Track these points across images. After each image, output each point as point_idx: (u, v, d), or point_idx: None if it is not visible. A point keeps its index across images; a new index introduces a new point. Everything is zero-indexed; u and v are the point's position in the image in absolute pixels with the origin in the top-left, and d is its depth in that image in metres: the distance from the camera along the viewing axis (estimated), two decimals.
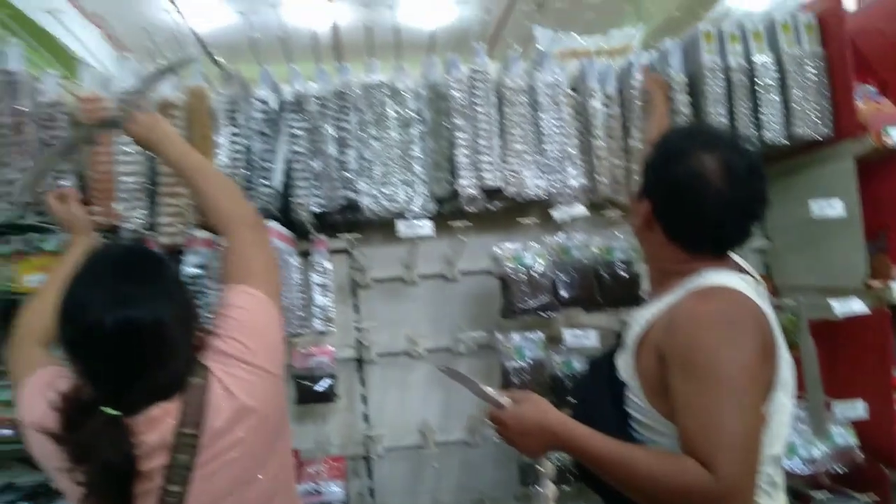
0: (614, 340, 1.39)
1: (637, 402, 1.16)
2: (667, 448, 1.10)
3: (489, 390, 1.18)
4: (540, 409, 1.14)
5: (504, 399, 1.17)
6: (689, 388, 1.04)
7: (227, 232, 1.25)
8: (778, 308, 1.82)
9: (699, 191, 1.14)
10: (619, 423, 1.18)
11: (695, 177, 1.13)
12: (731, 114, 2.02)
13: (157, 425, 1.00)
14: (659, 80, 2.04)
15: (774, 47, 2.05)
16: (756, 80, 2.02)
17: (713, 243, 1.20)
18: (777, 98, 2.03)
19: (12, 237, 1.81)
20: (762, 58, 2.03)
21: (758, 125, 2.02)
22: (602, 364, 1.33)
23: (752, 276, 1.24)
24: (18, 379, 1.14)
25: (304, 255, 2.06)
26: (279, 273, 1.32)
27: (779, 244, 2.32)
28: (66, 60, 1.87)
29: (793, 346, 1.84)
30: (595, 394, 1.30)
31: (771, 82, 2.02)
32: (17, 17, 1.74)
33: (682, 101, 2.04)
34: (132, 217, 1.80)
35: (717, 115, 2.00)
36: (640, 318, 1.22)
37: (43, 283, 1.41)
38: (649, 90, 2.03)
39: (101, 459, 0.94)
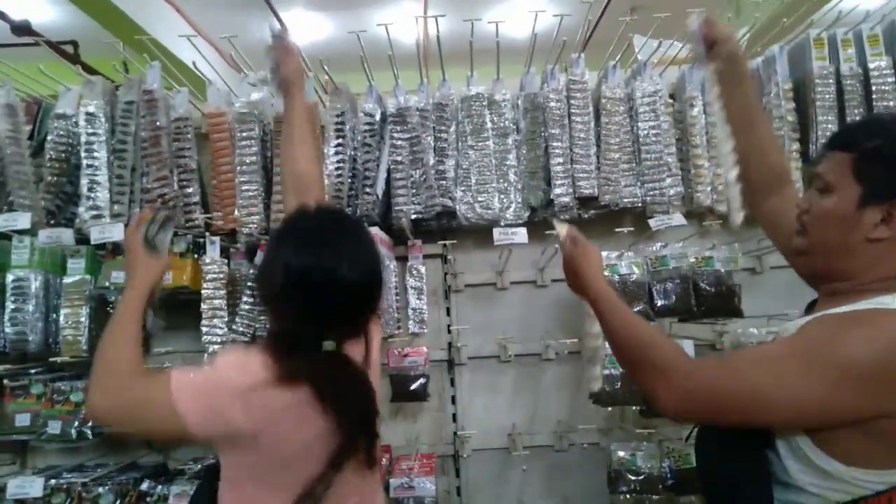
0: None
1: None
2: (801, 460, 1.00)
3: (566, 229, 1.41)
4: (588, 261, 1.32)
5: (562, 233, 1.41)
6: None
7: (309, 189, 1.47)
8: None
9: None
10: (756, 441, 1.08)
11: None
12: (842, 121, 1.94)
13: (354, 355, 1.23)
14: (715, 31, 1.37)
15: (892, 50, 1.95)
16: (871, 86, 1.93)
17: None
18: (894, 104, 1.93)
19: None
20: (878, 62, 1.94)
21: None
22: None
23: None
24: None
25: (401, 259, 2.16)
26: None
27: None
28: (194, 80, 2.05)
29: None
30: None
31: (887, 88, 1.93)
32: (152, 43, 1.94)
33: (788, 108, 1.98)
34: (249, 222, 1.95)
35: (826, 123, 1.93)
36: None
37: None
38: (723, 52, 1.36)
39: (351, 375, 1.20)
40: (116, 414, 1.13)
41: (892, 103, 1.93)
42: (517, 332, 2.21)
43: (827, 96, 1.96)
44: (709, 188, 2.04)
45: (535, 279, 2.21)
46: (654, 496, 1.87)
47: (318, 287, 1.14)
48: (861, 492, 0.95)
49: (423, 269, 2.12)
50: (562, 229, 1.41)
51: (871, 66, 1.95)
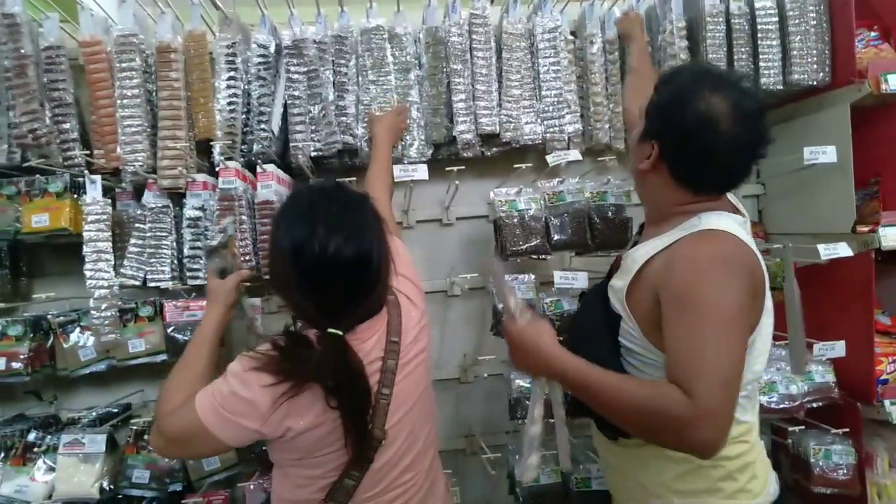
0: (605, 276, 1.46)
1: (631, 332, 1.26)
2: (656, 377, 1.21)
3: (513, 302, 1.28)
4: (539, 333, 1.23)
5: (524, 315, 1.26)
6: (681, 322, 1.11)
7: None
8: (766, 252, 1.86)
9: (709, 133, 1.17)
10: (611, 351, 1.29)
11: (705, 119, 1.17)
12: (731, 59, 2.02)
13: (371, 335, 1.22)
14: (633, 17, 2.03)
15: None
16: (757, 25, 2.01)
17: (718, 183, 1.26)
18: (776, 43, 2.02)
19: (18, 179, 1.85)
20: (764, 2, 2.01)
21: (756, 71, 2.02)
22: (594, 298, 1.42)
23: (742, 213, 1.32)
24: None
25: None
26: None
27: (772, 190, 2.34)
28: (65, 4, 1.87)
29: (779, 290, 1.90)
30: (589, 325, 1.39)
31: (771, 27, 2.01)
32: None
33: (681, 46, 2.03)
34: (134, 160, 1.83)
35: (716, 60, 2.00)
36: (637, 256, 1.28)
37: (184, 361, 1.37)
38: (624, 29, 2.02)
39: (348, 368, 1.14)
40: (172, 450, 1.24)
41: (775, 42, 2.02)
42: (423, 269, 2.22)
43: (717, 34, 2.02)
44: (607, 126, 2.09)
45: (440, 217, 2.22)
46: (550, 419, 1.95)
47: (310, 265, 1.11)
48: None
49: None
50: (510, 302, 1.30)
51: (757, 5, 2.02)
